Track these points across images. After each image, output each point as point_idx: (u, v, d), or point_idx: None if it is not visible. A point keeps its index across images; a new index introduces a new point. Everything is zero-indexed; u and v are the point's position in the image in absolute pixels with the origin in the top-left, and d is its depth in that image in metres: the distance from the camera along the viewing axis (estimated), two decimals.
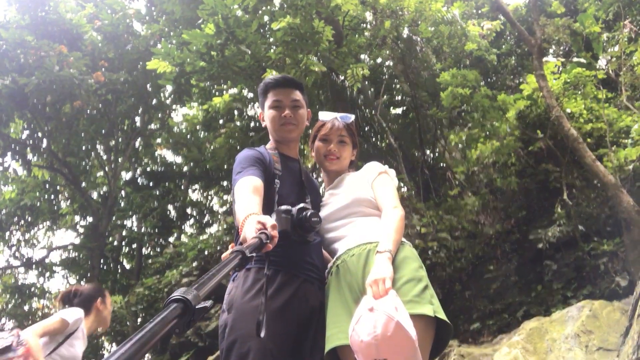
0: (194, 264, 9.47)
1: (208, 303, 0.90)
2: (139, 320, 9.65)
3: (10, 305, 15.59)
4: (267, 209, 1.89)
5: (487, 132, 9.64)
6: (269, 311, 1.64)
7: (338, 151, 2.15)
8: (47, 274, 15.95)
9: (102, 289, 3.50)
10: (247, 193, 1.78)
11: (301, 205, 1.78)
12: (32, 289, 15.99)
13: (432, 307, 1.63)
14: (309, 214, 1.74)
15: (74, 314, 3.15)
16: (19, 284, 15.54)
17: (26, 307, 15.88)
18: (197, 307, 0.84)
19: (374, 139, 15.22)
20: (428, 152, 15.07)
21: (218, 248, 9.43)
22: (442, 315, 1.64)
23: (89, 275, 14.20)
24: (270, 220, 1.48)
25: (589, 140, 8.38)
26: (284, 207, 1.77)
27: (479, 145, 10.01)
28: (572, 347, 3.60)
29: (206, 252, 9.59)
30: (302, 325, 1.74)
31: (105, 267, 14.82)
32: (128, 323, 9.92)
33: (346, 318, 1.66)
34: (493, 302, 8.47)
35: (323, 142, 2.18)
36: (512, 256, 8.76)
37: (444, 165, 13.25)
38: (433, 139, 15.10)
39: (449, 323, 1.69)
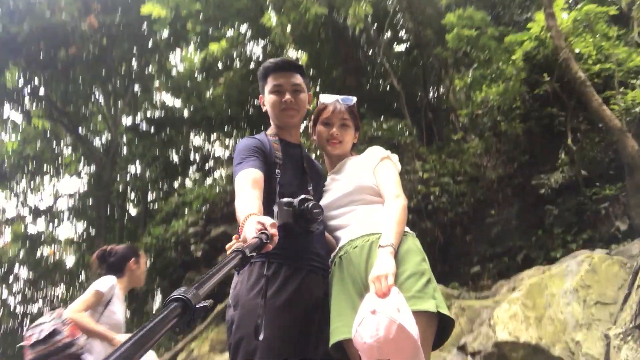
0: (199, 214, 9.58)
1: (208, 302, 0.89)
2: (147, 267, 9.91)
3: (22, 253, 16.03)
4: (269, 199, 1.87)
5: (493, 75, 9.41)
6: (274, 308, 1.67)
7: (340, 135, 2.09)
8: (55, 222, 16.25)
9: (136, 249, 3.48)
10: (247, 188, 1.75)
11: (302, 196, 1.75)
12: (42, 237, 16.37)
13: (435, 302, 1.64)
14: (310, 205, 1.72)
15: (106, 282, 3.16)
16: (29, 233, 15.87)
17: (37, 254, 16.32)
18: (197, 306, 0.85)
19: (376, 81, 14.92)
20: (432, 93, 14.82)
21: (222, 197, 9.51)
22: (444, 310, 1.65)
23: (95, 222, 14.46)
24: (269, 220, 1.47)
25: (596, 80, 8.17)
26: (285, 200, 1.74)
27: (484, 87, 9.79)
28: (570, 301, 3.69)
29: (211, 202, 9.68)
30: (307, 316, 1.77)
31: (111, 214, 15.04)
32: None
33: (350, 311, 1.68)
34: (493, 246, 8.63)
35: (325, 125, 2.11)
36: (514, 201, 8.82)
37: (448, 107, 13.06)
38: (437, 80, 14.79)
39: (451, 317, 1.71)
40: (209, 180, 15.25)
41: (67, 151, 15.22)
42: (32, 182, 14.94)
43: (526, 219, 8.39)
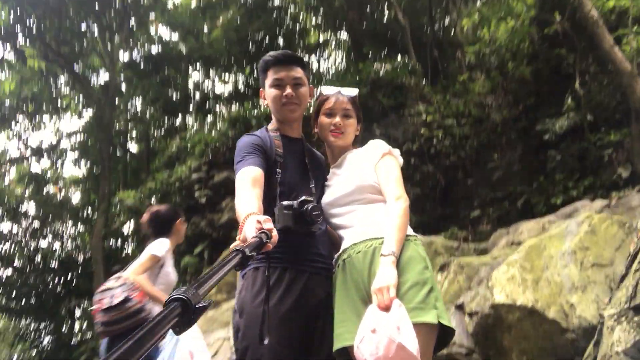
0: (202, 159, 9.59)
1: (207, 302, 0.91)
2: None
3: (28, 191, 16.28)
4: (270, 197, 1.87)
5: (503, 12, 9.03)
6: (279, 316, 1.72)
7: (343, 125, 2.06)
8: (59, 161, 16.36)
9: (178, 210, 3.69)
10: (246, 187, 1.75)
11: (302, 198, 1.75)
12: (47, 176, 16.55)
13: (436, 312, 1.67)
14: (310, 207, 1.73)
15: (161, 246, 3.28)
16: (33, 172, 16.02)
17: (44, 192, 16.56)
18: (197, 306, 0.86)
19: (380, 14, 14.35)
20: (438, 26, 14.28)
21: (224, 142, 9.47)
22: (445, 320, 1.69)
23: (99, 162, 14.52)
24: (268, 219, 1.48)
25: (610, 17, 7.85)
26: (285, 203, 1.75)
27: (492, 25, 9.42)
28: (568, 263, 3.77)
29: (212, 146, 9.65)
30: (311, 318, 1.81)
31: (114, 153, 15.07)
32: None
33: (353, 317, 1.73)
34: (494, 190, 8.69)
35: (327, 116, 2.08)
36: (517, 145, 8.77)
37: (454, 43, 12.64)
38: (444, 13, 14.21)
39: (452, 327, 1.75)
40: (209, 118, 15.14)
41: (66, 91, 15.00)
42: (32, 122, 14.84)
43: (528, 164, 8.39)
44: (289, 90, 1.98)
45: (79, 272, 16.40)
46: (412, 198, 9.76)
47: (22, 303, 16.25)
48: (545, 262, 3.80)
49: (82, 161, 16.53)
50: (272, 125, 2.12)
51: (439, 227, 9.44)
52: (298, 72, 2.02)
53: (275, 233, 1.43)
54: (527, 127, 8.65)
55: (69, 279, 16.83)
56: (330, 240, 2.01)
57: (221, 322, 5.79)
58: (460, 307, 3.89)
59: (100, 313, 2.86)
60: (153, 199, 10.10)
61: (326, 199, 2.02)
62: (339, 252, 1.91)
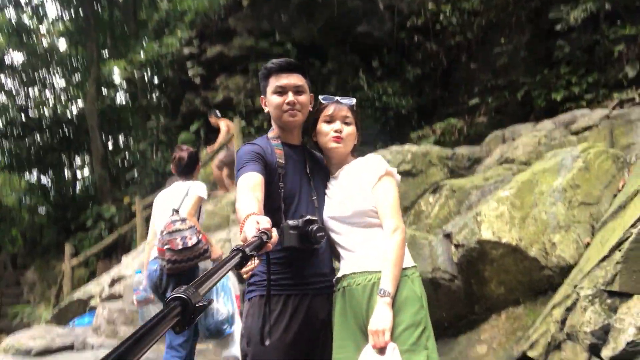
0: (193, 31, 9.04)
1: (207, 301, 0.92)
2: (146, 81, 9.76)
3: (12, 42, 15.56)
4: (273, 211, 1.89)
5: None
6: (283, 346, 1.85)
7: (343, 132, 2.03)
8: (41, 13, 15.34)
9: (198, 153, 3.91)
10: (246, 190, 1.78)
11: (307, 217, 1.80)
12: (30, 26, 15.69)
13: (427, 352, 1.82)
14: (314, 228, 1.77)
15: (203, 188, 3.57)
16: (14, 22, 15.12)
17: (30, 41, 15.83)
18: (197, 305, 0.87)
19: None
20: None
21: (216, 11, 8.85)
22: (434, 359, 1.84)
23: (82, 18, 13.64)
24: (266, 219, 1.51)
25: None
26: (291, 223, 1.79)
27: None
28: (556, 201, 3.90)
29: (203, 15, 9.03)
30: (313, 338, 1.94)
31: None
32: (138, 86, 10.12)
33: (352, 344, 1.88)
34: (497, 77, 8.49)
35: (327, 123, 2.05)
36: (526, 29, 8.32)
37: None
38: None
39: None
40: None
41: None
42: None
43: (534, 52, 8.07)
44: (291, 97, 1.98)
45: (74, 128, 16.53)
46: (412, 80, 9.49)
47: (23, 157, 16.68)
48: (535, 198, 3.93)
49: (66, 11, 15.57)
50: (272, 133, 2.10)
51: (436, 111, 9.43)
52: (300, 80, 2.02)
53: (275, 233, 1.47)
54: (539, 10, 8.11)
55: (64, 134, 17.06)
56: (331, 251, 2.09)
57: (221, 217, 6.10)
58: (448, 236, 4.12)
59: (170, 252, 3.16)
60: (145, 74, 9.77)
61: (326, 212, 2.05)
62: (339, 276, 2.00)
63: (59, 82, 18.30)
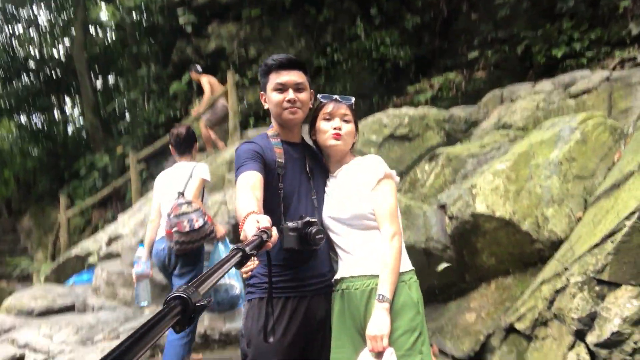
0: None
1: (207, 299, 0.92)
2: None
3: None
4: (273, 212, 1.89)
5: None
6: (283, 348, 1.88)
7: (342, 129, 2.02)
8: None
9: (194, 133, 3.92)
10: (246, 189, 1.78)
11: (306, 219, 1.81)
12: None
13: (421, 357, 1.88)
14: (313, 230, 1.77)
15: (206, 170, 3.67)
16: None
17: None
18: (196, 304, 0.86)
19: None
20: None
21: None
22: None
23: None
24: (266, 218, 1.52)
25: None
26: (291, 225, 1.80)
27: None
28: (552, 174, 3.90)
29: None
30: (312, 337, 1.99)
31: None
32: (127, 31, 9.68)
33: (349, 345, 1.93)
34: (497, 29, 8.24)
35: (326, 120, 2.03)
36: None
37: None
38: None
39: None
40: None
41: None
42: None
43: (537, 4, 7.79)
44: (291, 95, 1.96)
45: (63, 70, 16.07)
46: (411, 29, 9.20)
47: (12, 100, 16.31)
48: (531, 171, 3.94)
49: None
50: (271, 130, 2.07)
51: (434, 64, 9.21)
52: (300, 77, 2.00)
53: (275, 232, 1.48)
54: None
55: (52, 76, 16.60)
56: (330, 249, 2.11)
57: (217, 176, 6.08)
58: (442, 207, 4.16)
59: (178, 234, 3.28)
60: (134, 15, 9.36)
61: (325, 212, 2.06)
62: (338, 278, 2.04)
63: (44, 22, 17.59)
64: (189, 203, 3.38)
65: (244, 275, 1.58)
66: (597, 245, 2.76)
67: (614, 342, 2.42)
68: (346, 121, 2.04)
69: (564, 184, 3.91)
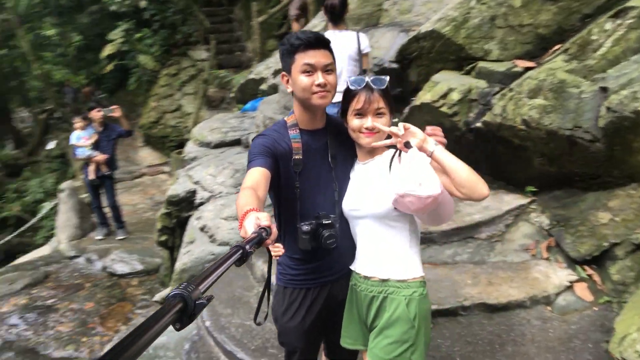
0: None
1: (207, 298, 0.92)
2: None
3: None
4: (291, 213, 1.94)
5: None
6: (303, 331, 2.06)
7: (375, 127, 1.84)
8: None
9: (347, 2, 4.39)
10: (249, 186, 1.74)
11: (321, 221, 1.84)
12: None
13: None
14: (326, 234, 1.82)
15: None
16: None
17: None
18: (197, 302, 0.88)
19: None
20: None
21: None
22: None
23: None
24: (265, 216, 1.47)
25: None
26: (304, 228, 1.85)
27: None
28: None
29: None
30: (329, 317, 2.11)
31: None
32: None
33: (355, 335, 2.04)
34: None
35: (357, 117, 1.83)
36: None
37: None
38: None
39: None
40: None
41: None
42: None
43: None
44: (321, 78, 1.82)
45: None
46: None
47: None
48: None
49: None
50: (291, 119, 1.97)
51: None
52: (328, 57, 1.86)
53: (274, 230, 1.46)
54: None
55: None
56: (348, 237, 2.05)
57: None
58: (604, 90, 3.47)
59: None
60: None
61: (346, 203, 1.99)
62: (352, 268, 2.05)
63: None
64: (364, 72, 4.01)
65: (273, 254, 1.69)
66: None
67: None
68: (380, 114, 1.84)
69: None
